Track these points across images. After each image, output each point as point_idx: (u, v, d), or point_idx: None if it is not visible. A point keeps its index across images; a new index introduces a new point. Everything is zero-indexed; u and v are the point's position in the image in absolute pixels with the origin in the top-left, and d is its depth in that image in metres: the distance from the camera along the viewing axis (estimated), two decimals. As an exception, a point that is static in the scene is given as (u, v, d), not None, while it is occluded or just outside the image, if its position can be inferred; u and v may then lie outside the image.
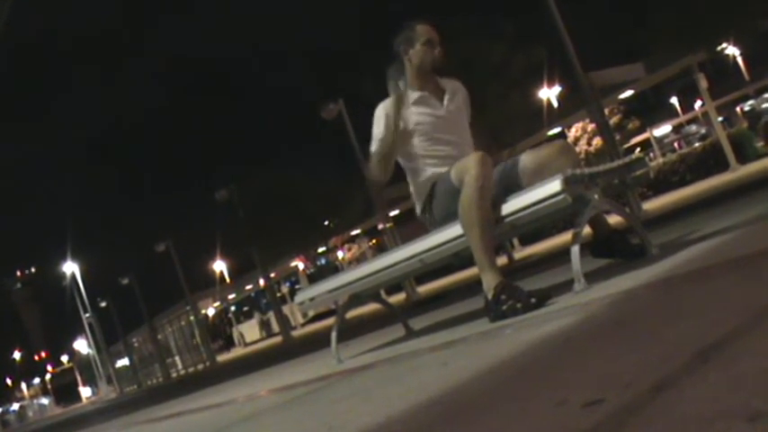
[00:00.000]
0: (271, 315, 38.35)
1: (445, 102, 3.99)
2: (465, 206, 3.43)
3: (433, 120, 3.95)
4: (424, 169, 3.94)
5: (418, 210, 4.04)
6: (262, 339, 37.07)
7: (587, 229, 3.60)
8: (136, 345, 39.50)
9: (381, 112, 3.96)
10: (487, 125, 14.90)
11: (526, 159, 3.73)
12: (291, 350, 12.22)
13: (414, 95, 3.97)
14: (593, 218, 3.69)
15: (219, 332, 42.18)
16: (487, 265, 3.43)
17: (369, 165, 4.02)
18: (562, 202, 3.23)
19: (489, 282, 3.42)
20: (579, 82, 14.86)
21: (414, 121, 3.92)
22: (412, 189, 4.06)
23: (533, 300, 3.25)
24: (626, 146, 28.51)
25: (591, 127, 28.54)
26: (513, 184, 3.65)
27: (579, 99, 17.33)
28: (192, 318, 30.37)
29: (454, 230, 3.62)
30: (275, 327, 31.27)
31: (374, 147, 3.98)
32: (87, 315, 41.32)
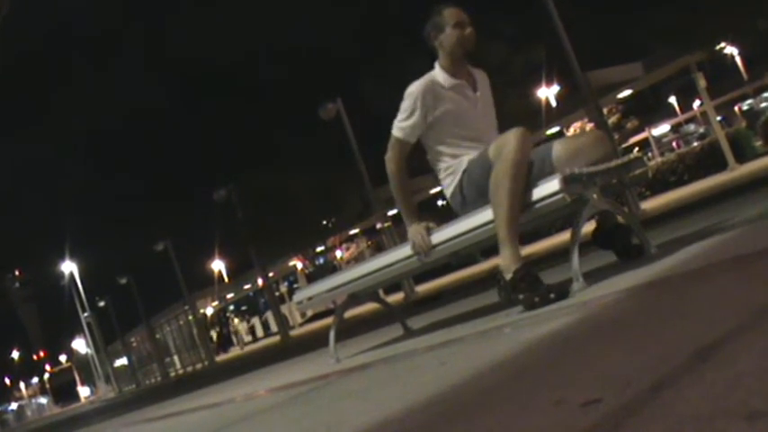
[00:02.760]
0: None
1: (478, 91, 3.96)
2: (498, 177, 3.33)
3: (467, 107, 3.89)
4: (456, 153, 3.85)
5: (448, 193, 3.93)
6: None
7: (590, 223, 3.59)
8: (134, 344, 39.47)
9: (416, 95, 3.84)
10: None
11: (560, 147, 3.60)
12: (290, 350, 12.21)
13: (450, 82, 3.89)
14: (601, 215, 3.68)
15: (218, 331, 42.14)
16: (508, 242, 3.32)
17: (388, 156, 3.96)
18: (560, 202, 3.23)
19: (508, 261, 3.32)
20: (578, 81, 14.86)
21: (449, 108, 3.84)
22: (442, 173, 3.92)
23: (552, 295, 3.20)
24: (624, 145, 28.52)
25: (589, 126, 28.54)
26: (545, 171, 3.49)
27: (578, 98, 17.33)
28: (190, 317, 30.33)
29: (452, 230, 3.61)
30: (273, 326, 31.27)
31: (395, 132, 3.92)
32: (86, 314, 41.28)
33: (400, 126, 3.90)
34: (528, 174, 3.41)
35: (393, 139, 3.94)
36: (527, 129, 3.48)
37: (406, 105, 3.89)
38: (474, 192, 3.70)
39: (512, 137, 3.40)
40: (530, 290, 3.26)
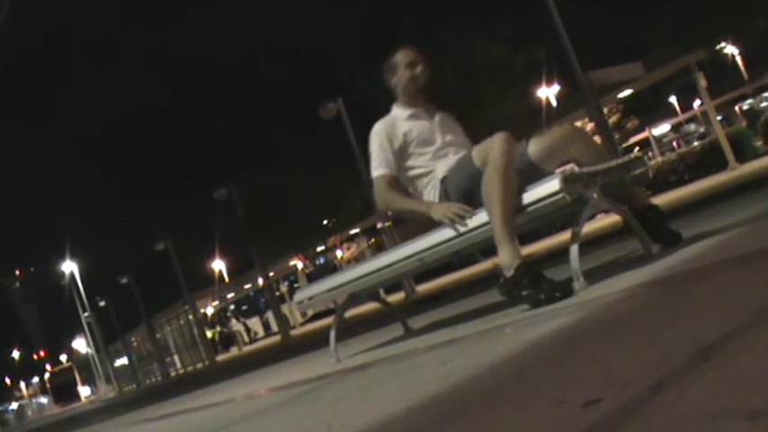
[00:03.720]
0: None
1: (436, 117, 4.10)
2: (489, 183, 3.37)
3: (429, 127, 4.02)
4: (428, 170, 3.93)
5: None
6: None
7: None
8: (134, 344, 39.47)
9: (379, 131, 4.04)
10: (487, 124, 14.97)
11: (535, 145, 3.68)
12: (290, 349, 12.22)
13: (407, 112, 4.07)
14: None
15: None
16: (506, 240, 3.33)
17: (376, 194, 4.05)
18: (561, 201, 3.23)
19: (507, 259, 3.32)
20: (578, 81, 14.87)
21: (412, 134, 3.98)
22: (424, 192, 3.98)
23: (558, 293, 3.18)
24: (625, 145, 28.52)
25: (590, 126, 28.48)
26: (524, 166, 3.59)
27: (578, 98, 17.34)
28: (191, 317, 30.32)
29: (452, 230, 3.61)
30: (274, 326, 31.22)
31: (375, 173, 4.02)
32: (86, 314, 41.30)
33: (376, 164, 4.02)
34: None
35: (375, 179, 4.02)
36: (509, 132, 3.52)
37: (373, 145, 4.05)
38: (460, 196, 3.73)
39: (496, 142, 3.46)
40: (533, 287, 3.25)
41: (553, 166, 3.70)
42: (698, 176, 19.15)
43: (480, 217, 3.50)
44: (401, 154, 3.98)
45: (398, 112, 4.12)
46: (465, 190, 3.67)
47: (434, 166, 3.91)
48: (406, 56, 4.12)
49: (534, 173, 3.54)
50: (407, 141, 3.97)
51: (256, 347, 27.20)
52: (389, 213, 4.34)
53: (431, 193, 3.92)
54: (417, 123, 4.03)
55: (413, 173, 3.99)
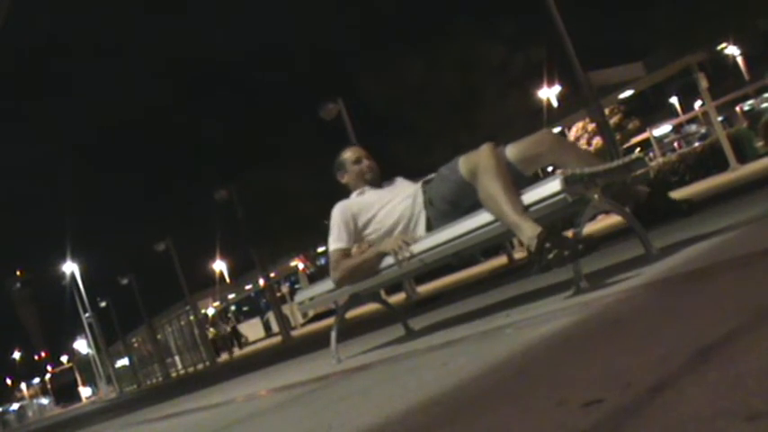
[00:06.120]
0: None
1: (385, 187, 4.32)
2: (486, 183, 3.41)
3: (382, 192, 4.23)
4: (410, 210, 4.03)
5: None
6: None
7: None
8: (135, 345, 39.43)
9: (342, 210, 4.26)
10: (487, 125, 14.94)
11: (513, 150, 3.75)
12: (291, 350, 12.21)
13: (357, 196, 4.33)
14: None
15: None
16: (520, 221, 3.28)
17: (331, 266, 4.24)
18: (562, 202, 3.22)
19: (528, 233, 3.25)
20: (579, 81, 14.86)
21: (365, 203, 4.20)
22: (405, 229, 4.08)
23: (581, 246, 3.13)
24: (626, 145, 28.48)
25: (591, 127, 28.49)
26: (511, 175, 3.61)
27: (579, 99, 17.33)
28: (191, 318, 30.30)
29: (453, 231, 3.61)
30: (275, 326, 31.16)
31: (332, 246, 4.25)
32: (87, 315, 41.26)
33: (334, 238, 4.26)
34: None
35: (332, 252, 4.22)
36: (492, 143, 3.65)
37: (334, 219, 4.27)
38: (446, 205, 3.81)
39: (482, 150, 3.55)
40: (556, 247, 3.15)
41: (532, 170, 3.81)
42: (699, 177, 19.15)
43: (479, 219, 3.51)
44: (363, 226, 4.17)
45: (353, 196, 4.38)
46: (450, 200, 3.77)
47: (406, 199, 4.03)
48: (353, 154, 4.44)
49: (515, 178, 3.57)
50: (366, 208, 4.17)
51: (257, 348, 27.17)
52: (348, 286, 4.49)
53: (417, 222, 3.99)
54: (370, 192, 4.28)
55: (375, 233, 4.14)
